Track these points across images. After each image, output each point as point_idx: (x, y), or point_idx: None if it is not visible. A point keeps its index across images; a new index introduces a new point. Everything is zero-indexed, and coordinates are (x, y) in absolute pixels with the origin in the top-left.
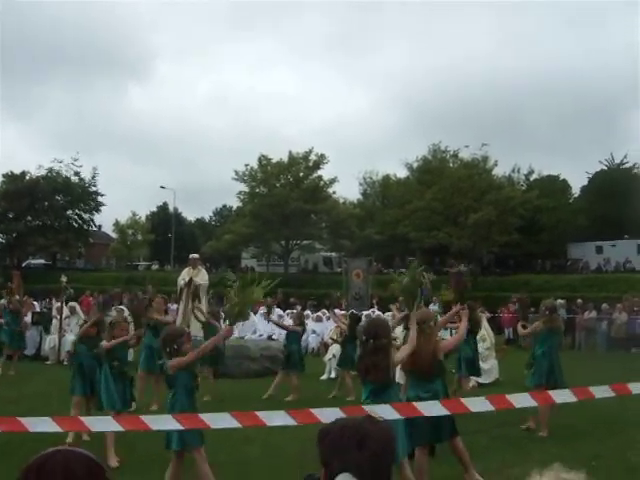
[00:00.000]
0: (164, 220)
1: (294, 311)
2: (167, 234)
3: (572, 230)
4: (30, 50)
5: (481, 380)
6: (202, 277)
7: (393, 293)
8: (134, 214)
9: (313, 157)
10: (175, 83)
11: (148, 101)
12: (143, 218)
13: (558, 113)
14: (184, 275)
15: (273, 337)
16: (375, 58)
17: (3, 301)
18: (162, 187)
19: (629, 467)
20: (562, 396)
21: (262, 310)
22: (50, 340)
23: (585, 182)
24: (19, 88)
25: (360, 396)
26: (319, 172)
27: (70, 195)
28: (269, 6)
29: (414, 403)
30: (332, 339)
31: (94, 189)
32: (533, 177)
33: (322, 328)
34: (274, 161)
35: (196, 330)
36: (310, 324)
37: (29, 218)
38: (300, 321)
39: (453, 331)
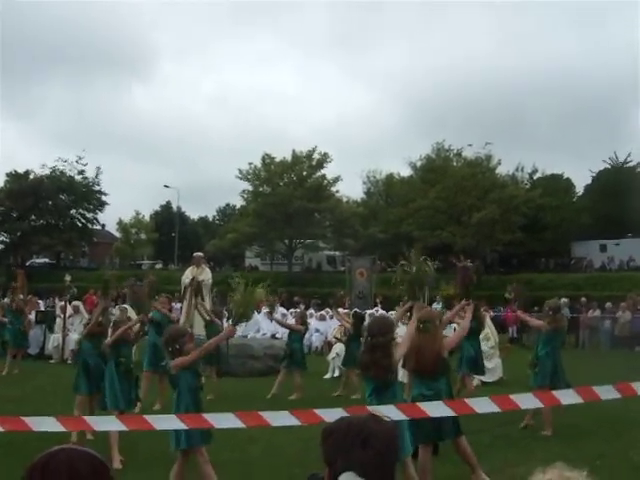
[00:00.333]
0: (168, 219)
1: (297, 310)
2: (171, 233)
3: (576, 229)
4: (30, 49)
5: (485, 379)
6: (206, 276)
7: (398, 283)
8: (138, 213)
9: (316, 156)
10: (177, 82)
11: (150, 100)
12: (147, 217)
13: (561, 112)
14: (188, 274)
15: (276, 336)
16: (377, 56)
17: (6, 300)
18: (166, 186)
19: (633, 466)
20: (567, 397)
21: (265, 309)
22: (54, 339)
23: (589, 181)
24: (20, 87)
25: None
26: (322, 171)
27: (74, 194)
28: (270, 5)
29: (418, 403)
30: (336, 338)
31: (98, 188)
32: (537, 176)
33: (325, 327)
34: (278, 160)
35: (199, 329)
36: (313, 323)
37: (33, 217)
38: (303, 320)
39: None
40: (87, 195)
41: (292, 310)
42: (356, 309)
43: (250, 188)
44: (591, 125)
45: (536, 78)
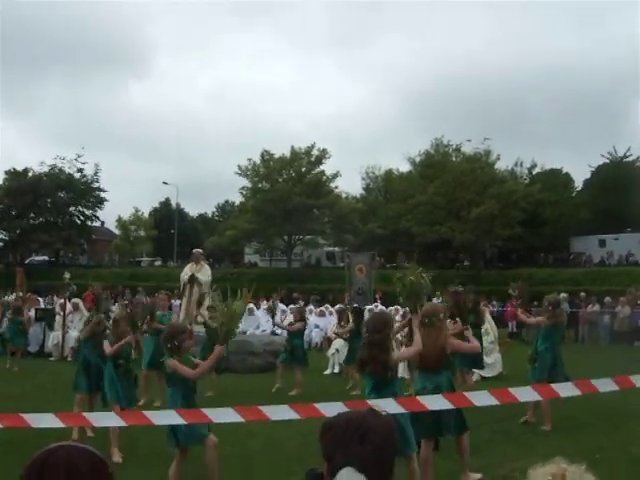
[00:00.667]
0: (167, 216)
1: (297, 306)
2: (170, 230)
3: (575, 224)
4: (27, 47)
5: (484, 374)
6: (205, 272)
7: (398, 295)
8: (137, 210)
9: (315, 152)
10: (175, 78)
11: (148, 97)
12: (146, 214)
13: (560, 106)
14: (187, 270)
15: (276, 332)
16: (375, 52)
17: (6, 297)
18: (165, 183)
19: (632, 460)
20: (566, 390)
21: (265, 305)
22: (54, 336)
23: (588, 175)
24: (17, 85)
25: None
26: (321, 167)
27: (73, 192)
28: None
29: (418, 397)
30: (335, 334)
31: (96, 185)
32: (536, 171)
33: (325, 323)
34: (276, 156)
35: (199, 326)
36: (313, 319)
37: (32, 215)
38: (301, 316)
39: None
40: (86, 192)
41: (292, 306)
42: (355, 304)
43: (249, 184)
44: (590, 120)
45: (535, 73)
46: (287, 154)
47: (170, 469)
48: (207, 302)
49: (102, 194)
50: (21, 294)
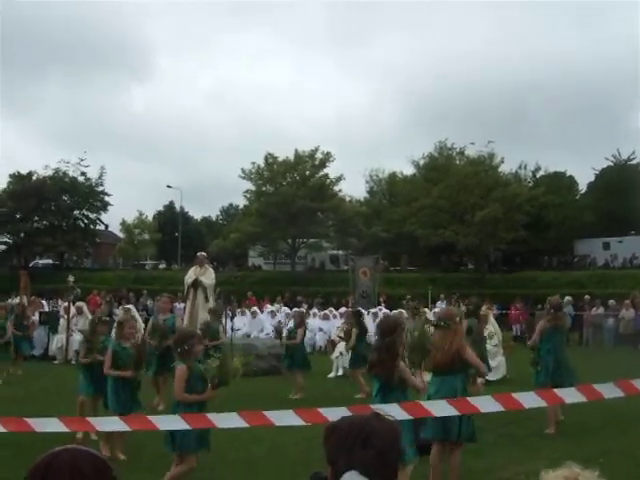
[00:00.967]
0: (171, 219)
1: (301, 309)
2: (174, 233)
3: (579, 226)
4: (27, 48)
5: (488, 377)
6: (209, 276)
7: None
8: (141, 213)
9: (319, 155)
10: (175, 79)
11: (149, 98)
12: (150, 217)
13: (564, 109)
14: (191, 274)
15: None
16: (376, 52)
17: (10, 301)
18: (169, 186)
19: (637, 464)
20: (571, 396)
21: (269, 309)
22: (58, 340)
23: (592, 178)
24: (16, 86)
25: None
26: (325, 170)
27: (77, 195)
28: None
29: (422, 403)
30: (339, 337)
31: (101, 189)
32: (540, 174)
33: (329, 326)
34: (280, 159)
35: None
36: (317, 322)
37: (36, 218)
38: (302, 320)
39: None
40: (90, 196)
41: (295, 309)
42: (359, 308)
43: (253, 188)
44: (594, 123)
45: (538, 75)
46: (291, 157)
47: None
48: (211, 304)
49: (106, 198)
50: (25, 298)
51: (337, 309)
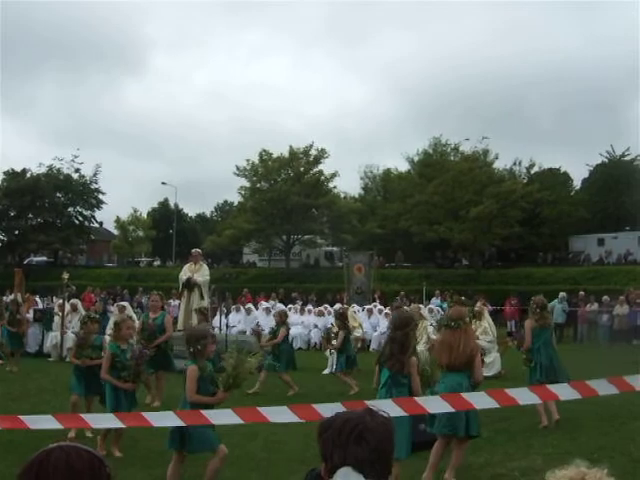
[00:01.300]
0: (165, 216)
1: (296, 306)
2: (168, 230)
3: (573, 223)
4: (22, 44)
5: (484, 373)
6: (203, 273)
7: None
8: (135, 210)
9: (313, 152)
10: (171, 76)
11: (144, 95)
12: (144, 214)
13: (559, 105)
14: (186, 271)
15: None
16: (372, 50)
17: (5, 298)
18: (163, 183)
19: (632, 459)
20: (565, 392)
21: (264, 305)
22: (52, 337)
23: (586, 174)
24: (11, 83)
25: (362, 392)
26: (320, 167)
27: (71, 192)
28: None
29: (416, 399)
30: (334, 333)
31: (95, 186)
32: (534, 170)
33: (324, 322)
34: (275, 156)
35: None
36: (312, 319)
37: (30, 215)
38: (282, 319)
39: None
40: (84, 193)
41: (290, 306)
42: (345, 305)
43: (248, 184)
44: (588, 119)
45: (533, 72)
46: (285, 154)
47: (168, 470)
48: (206, 301)
49: (101, 195)
50: (20, 295)
51: (332, 305)
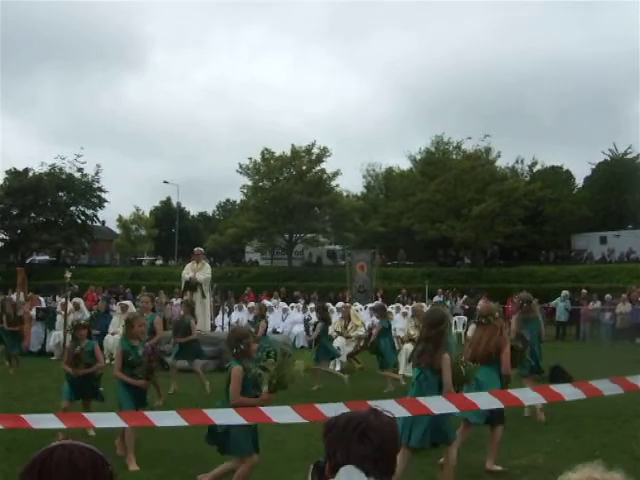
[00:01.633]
0: (167, 215)
1: (298, 304)
2: (171, 229)
3: (576, 221)
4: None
5: None
6: (205, 271)
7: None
8: (137, 209)
9: (316, 150)
10: (172, 74)
11: (145, 93)
12: (147, 213)
13: (561, 103)
14: (188, 269)
15: (277, 330)
16: (374, 48)
17: (8, 296)
18: (165, 182)
19: (634, 457)
20: (570, 393)
21: (266, 304)
22: (55, 336)
23: (589, 173)
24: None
25: (365, 391)
26: (322, 165)
27: (73, 191)
28: None
29: (419, 399)
30: (336, 332)
31: (97, 185)
32: (536, 168)
33: None
34: (277, 154)
35: (201, 325)
36: (314, 317)
37: (33, 215)
38: (262, 313)
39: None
40: (87, 192)
41: (293, 304)
42: (348, 304)
43: (250, 183)
44: (591, 117)
45: (535, 69)
46: (288, 152)
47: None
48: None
49: (103, 194)
50: (22, 294)
51: (334, 304)
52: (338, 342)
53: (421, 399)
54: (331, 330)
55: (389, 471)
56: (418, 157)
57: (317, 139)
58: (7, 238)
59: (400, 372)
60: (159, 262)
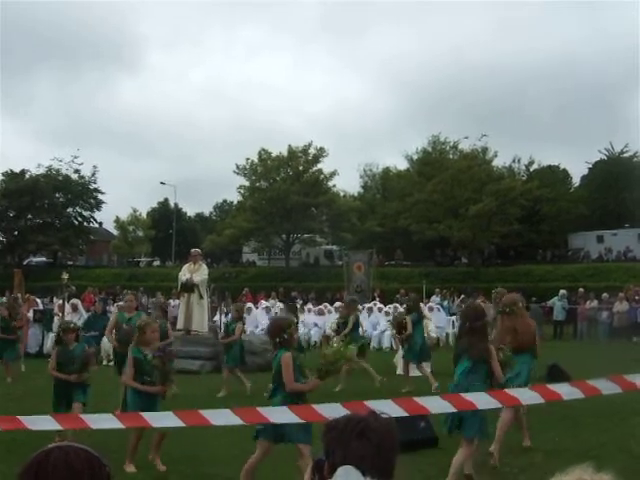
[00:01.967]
0: (165, 216)
1: (296, 304)
2: (168, 230)
3: (573, 220)
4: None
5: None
6: (202, 272)
7: None
8: (135, 210)
9: (312, 150)
10: (168, 74)
11: (141, 94)
12: (144, 214)
13: (558, 102)
14: (185, 270)
15: None
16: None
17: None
18: (162, 183)
19: (632, 456)
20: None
21: (263, 304)
22: (52, 338)
23: (585, 172)
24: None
25: (362, 391)
26: (319, 165)
27: (70, 193)
28: None
29: (415, 399)
30: (334, 331)
31: (94, 186)
32: (533, 167)
33: (324, 321)
34: (274, 155)
35: (197, 325)
36: (312, 317)
37: (29, 216)
38: (239, 315)
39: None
40: (83, 194)
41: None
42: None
43: (247, 183)
44: (587, 116)
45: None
46: (285, 153)
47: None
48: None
49: (100, 196)
50: (19, 296)
51: (332, 304)
52: (336, 342)
53: (418, 399)
54: (328, 330)
55: (388, 471)
56: (415, 157)
57: (314, 139)
58: (4, 240)
59: (398, 372)
60: (156, 263)
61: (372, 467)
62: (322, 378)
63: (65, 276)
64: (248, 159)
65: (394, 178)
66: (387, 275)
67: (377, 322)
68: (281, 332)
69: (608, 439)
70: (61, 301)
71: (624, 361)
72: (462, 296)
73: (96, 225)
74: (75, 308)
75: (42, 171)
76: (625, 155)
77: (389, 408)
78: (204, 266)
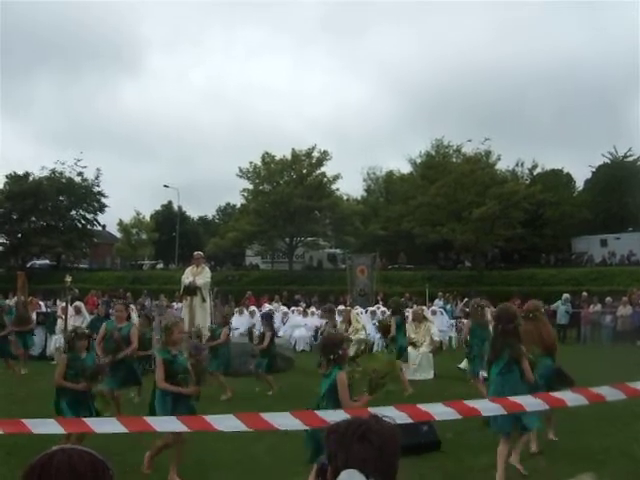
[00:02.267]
0: (168, 219)
1: (299, 308)
2: (171, 233)
3: (576, 224)
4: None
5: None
6: (204, 276)
7: None
8: (138, 213)
9: (316, 154)
10: (170, 76)
11: (147, 98)
12: (147, 217)
13: (561, 105)
14: (188, 273)
15: (278, 335)
16: (374, 51)
17: (8, 301)
18: (166, 186)
19: (636, 460)
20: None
21: (267, 308)
22: (55, 340)
23: (589, 175)
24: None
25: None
26: (322, 169)
27: (73, 195)
28: None
29: (419, 405)
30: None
31: (98, 189)
32: (537, 171)
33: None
34: (277, 158)
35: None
36: (315, 321)
37: (33, 219)
38: (225, 320)
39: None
40: (87, 196)
41: (293, 308)
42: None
43: (250, 187)
44: (591, 120)
45: (535, 72)
46: (288, 156)
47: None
48: (208, 304)
49: (103, 199)
50: (23, 298)
51: (335, 307)
52: None
53: (421, 406)
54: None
55: (390, 474)
56: (418, 161)
57: (317, 142)
58: (7, 242)
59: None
60: (160, 266)
61: (375, 470)
62: (372, 393)
63: (68, 279)
64: (251, 162)
65: (397, 181)
66: (390, 278)
67: None
68: (335, 348)
69: (611, 443)
70: (64, 304)
71: (628, 365)
72: (465, 300)
73: (99, 228)
74: (78, 311)
75: (46, 174)
76: (628, 159)
77: (392, 415)
78: (207, 269)
